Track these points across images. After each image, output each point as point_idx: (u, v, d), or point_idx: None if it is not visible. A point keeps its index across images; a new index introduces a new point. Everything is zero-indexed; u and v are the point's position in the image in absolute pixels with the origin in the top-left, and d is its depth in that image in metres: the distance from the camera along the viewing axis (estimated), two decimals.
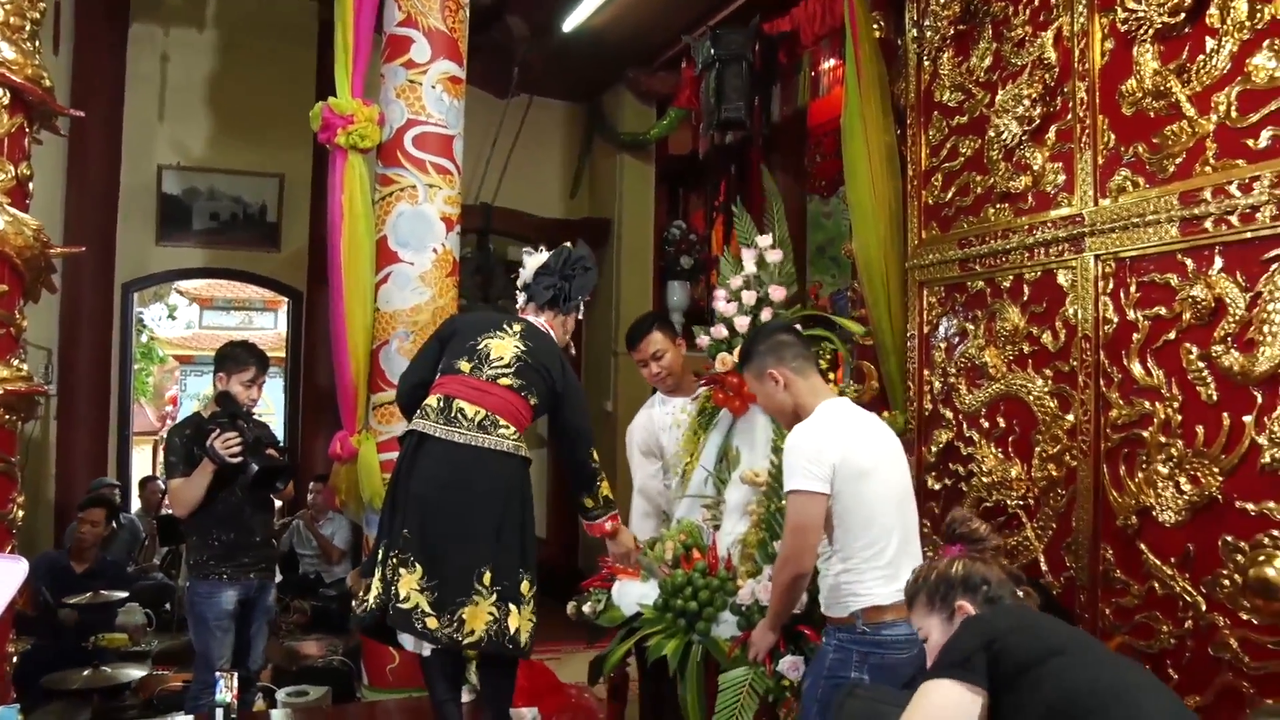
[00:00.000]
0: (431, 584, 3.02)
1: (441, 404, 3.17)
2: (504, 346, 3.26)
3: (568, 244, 3.58)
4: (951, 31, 3.88)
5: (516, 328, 3.34)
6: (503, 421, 3.16)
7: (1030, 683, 1.75)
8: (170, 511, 6.83)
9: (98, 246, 6.93)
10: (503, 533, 3.11)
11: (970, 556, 2.16)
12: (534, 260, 3.52)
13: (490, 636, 3.02)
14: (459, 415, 3.13)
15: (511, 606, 3.06)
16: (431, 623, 3.00)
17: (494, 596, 3.04)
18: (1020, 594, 2.11)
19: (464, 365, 3.23)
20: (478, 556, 3.05)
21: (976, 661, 1.81)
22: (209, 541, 3.92)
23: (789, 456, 2.73)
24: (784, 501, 2.82)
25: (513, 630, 3.06)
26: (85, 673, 4.51)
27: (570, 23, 6.86)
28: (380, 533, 3.22)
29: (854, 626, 2.63)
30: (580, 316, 3.56)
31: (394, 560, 3.07)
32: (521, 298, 3.56)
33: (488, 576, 3.04)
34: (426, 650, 3.22)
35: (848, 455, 2.65)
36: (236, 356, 3.99)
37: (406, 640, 3.24)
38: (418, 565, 3.04)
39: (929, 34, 4.00)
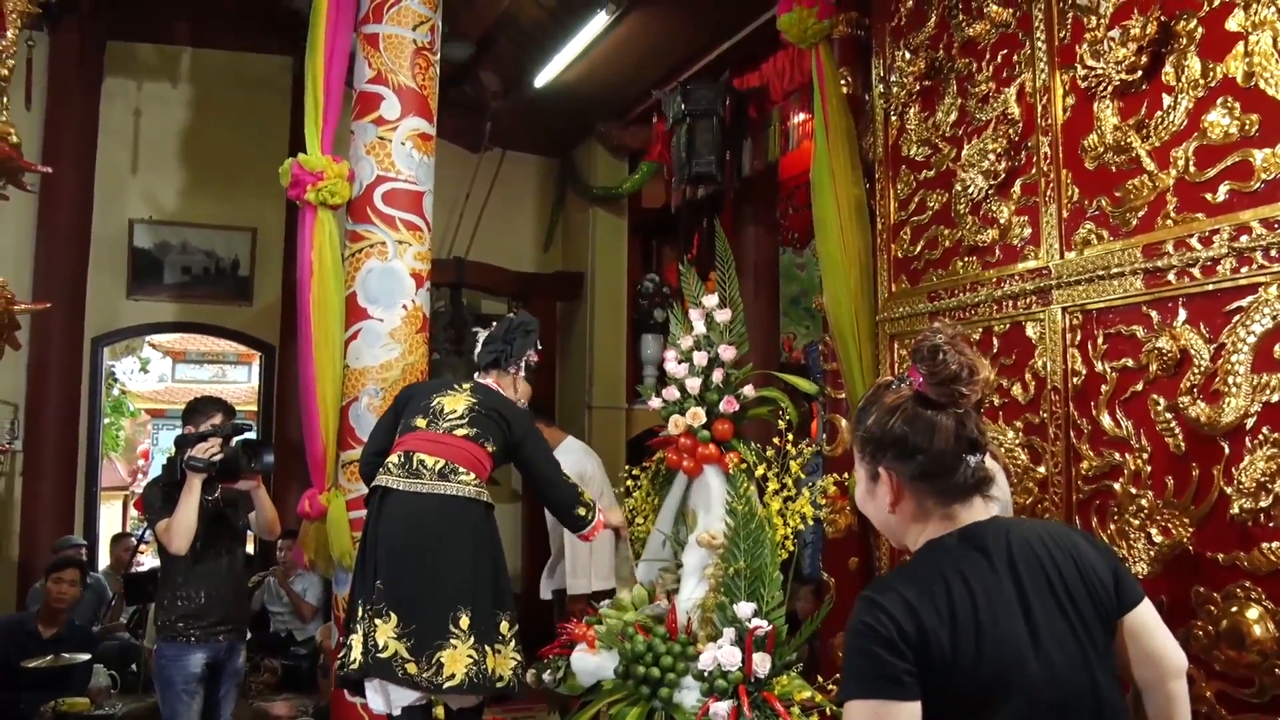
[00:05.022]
0: (408, 630, 3.09)
1: (402, 459, 3.29)
2: (456, 401, 3.45)
3: (510, 314, 3.77)
4: (917, 87, 3.93)
5: (467, 386, 3.56)
6: (462, 469, 3.29)
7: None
8: (141, 569, 6.75)
9: (68, 300, 6.89)
10: (477, 576, 3.21)
11: (924, 398, 1.53)
12: (485, 334, 3.78)
13: (471, 679, 3.09)
14: (420, 466, 3.26)
15: (488, 648, 3.15)
16: (411, 668, 3.07)
17: (472, 639, 3.11)
18: (974, 461, 1.54)
19: (420, 422, 3.39)
20: (452, 600, 3.13)
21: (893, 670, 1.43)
22: (177, 601, 3.85)
23: None
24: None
25: (491, 670, 3.15)
26: None
27: (542, 78, 6.93)
28: (355, 590, 3.29)
29: None
30: (527, 378, 3.77)
31: (369, 612, 3.14)
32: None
33: (465, 620, 3.11)
34: (397, 710, 3.22)
35: None
36: (200, 408, 4.05)
37: (376, 701, 3.24)
38: (392, 614, 3.11)
39: (895, 90, 4.05)
